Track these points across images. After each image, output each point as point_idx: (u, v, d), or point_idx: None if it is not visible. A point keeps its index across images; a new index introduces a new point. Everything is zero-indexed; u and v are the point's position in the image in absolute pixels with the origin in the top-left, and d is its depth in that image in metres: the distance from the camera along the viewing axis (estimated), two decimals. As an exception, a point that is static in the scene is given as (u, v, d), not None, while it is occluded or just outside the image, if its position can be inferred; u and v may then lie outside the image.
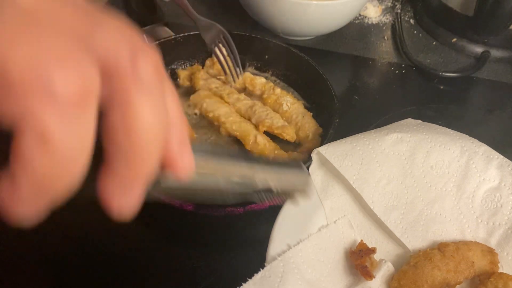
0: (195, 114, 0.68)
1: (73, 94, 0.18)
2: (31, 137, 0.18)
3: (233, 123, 0.63)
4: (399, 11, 0.96)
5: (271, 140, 0.63)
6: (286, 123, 0.66)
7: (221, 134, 0.65)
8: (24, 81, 0.17)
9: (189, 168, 0.24)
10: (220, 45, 0.58)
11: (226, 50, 0.60)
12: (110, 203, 0.23)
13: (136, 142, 0.21)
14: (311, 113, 0.67)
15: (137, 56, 0.20)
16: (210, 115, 0.65)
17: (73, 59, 0.18)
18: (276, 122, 0.64)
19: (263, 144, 0.61)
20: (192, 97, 0.69)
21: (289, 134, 0.64)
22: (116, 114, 0.20)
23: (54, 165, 0.19)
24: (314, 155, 0.54)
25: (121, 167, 0.21)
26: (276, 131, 0.64)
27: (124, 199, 0.23)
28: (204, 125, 0.67)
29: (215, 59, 0.74)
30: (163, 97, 0.22)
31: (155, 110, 0.21)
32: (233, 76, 0.65)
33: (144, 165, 0.22)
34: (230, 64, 0.61)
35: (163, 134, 0.22)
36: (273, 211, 0.49)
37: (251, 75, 0.72)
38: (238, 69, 0.61)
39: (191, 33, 0.71)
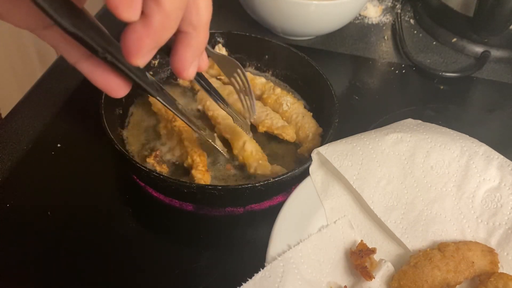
0: (198, 110, 0.69)
1: None
2: None
3: (227, 126, 0.63)
4: (399, 11, 0.96)
5: (260, 150, 0.62)
6: (286, 123, 0.66)
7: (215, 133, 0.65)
8: None
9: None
10: (239, 79, 0.57)
11: (243, 87, 0.59)
12: (185, 67, 0.34)
13: (203, 19, 0.33)
14: (311, 113, 0.67)
15: None
16: (210, 113, 0.66)
17: None
18: (276, 123, 0.64)
19: (249, 151, 0.61)
20: (199, 93, 0.70)
21: (289, 135, 0.64)
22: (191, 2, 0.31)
23: (174, 6, 0.29)
24: (314, 155, 0.54)
25: (193, 39, 0.33)
26: (276, 132, 0.64)
27: (194, 63, 0.34)
28: (203, 122, 0.67)
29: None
30: None
31: (208, 1, 0.33)
32: (249, 114, 0.62)
33: (205, 37, 0.34)
34: (248, 102, 0.59)
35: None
36: (273, 211, 0.49)
37: (251, 75, 0.72)
38: (252, 108, 0.59)
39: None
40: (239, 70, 0.57)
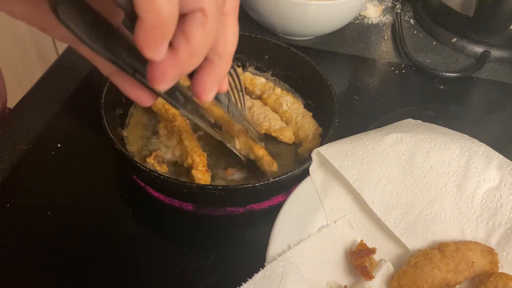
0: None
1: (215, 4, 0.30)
2: (197, 19, 0.29)
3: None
4: (399, 11, 0.96)
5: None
6: (285, 125, 0.65)
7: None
8: None
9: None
10: (230, 78, 0.58)
11: (235, 85, 0.60)
12: (205, 92, 0.35)
13: (229, 51, 0.34)
14: (311, 113, 0.67)
15: None
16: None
17: None
18: (274, 125, 0.64)
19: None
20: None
21: (287, 137, 0.64)
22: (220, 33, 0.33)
23: (203, 43, 0.30)
24: (314, 155, 0.54)
25: (217, 67, 0.34)
26: (274, 134, 0.64)
27: (214, 88, 0.36)
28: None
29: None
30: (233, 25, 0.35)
31: (236, 33, 0.35)
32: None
33: (228, 66, 0.35)
34: (239, 99, 0.61)
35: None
36: (273, 211, 0.49)
37: (251, 75, 0.72)
38: (243, 107, 0.61)
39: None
40: (231, 70, 0.58)
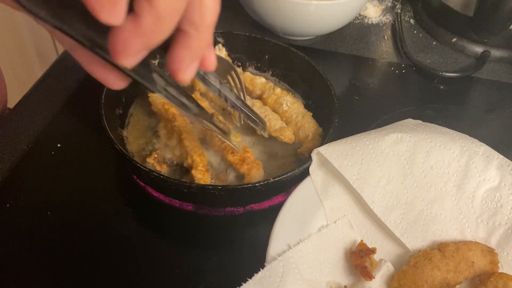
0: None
1: None
2: None
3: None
4: (399, 11, 0.96)
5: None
6: (285, 125, 0.65)
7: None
8: None
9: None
10: (231, 80, 0.58)
11: (235, 85, 0.59)
12: (181, 69, 0.31)
13: (206, 20, 0.30)
14: (311, 113, 0.67)
15: None
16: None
17: None
18: (274, 124, 0.64)
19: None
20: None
21: (287, 137, 0.63)
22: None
23: (170, 7, 0.26)
24: (314, 155, 0.54)
25: (193, 40, 0.30)
26: (273, 134, 0.64)
27: (192, 66, 0.32)
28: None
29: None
30: None
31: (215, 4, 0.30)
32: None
33: (207, 40, 0.31)
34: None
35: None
36: (273, 211, 0.49)
37: (251, 75, 0.72)
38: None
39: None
40: (232, 72, 0.58)
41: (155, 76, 0.34)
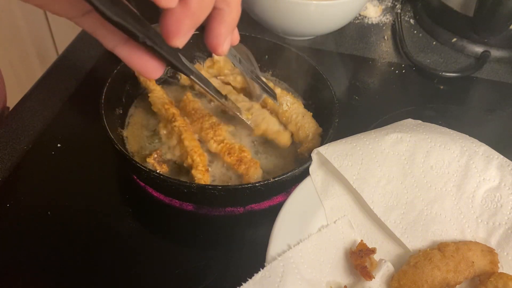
0: None
1: None
2: None
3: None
4: (399, 11, 0.96)
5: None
6: (282, 128, 0.65)
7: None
8: None
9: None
10: (244, 62, 0.61)
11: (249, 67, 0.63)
12: (220, 43, 0.36)
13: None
14: (311, 113, 0.67)
15: None
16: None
17: None
18: (271, 127, 0.64)
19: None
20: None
21: (283, 140, 0.63)
22: None
23: None
24: (314, 155, 0.54)
25: (227, 15, 0.35)
26: (270, 136, 0.63)
27: (228, 39, 0.36)
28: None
29: (215, 59, 0.74)
30: None
31: None
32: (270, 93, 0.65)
33: (238, 13, 0.36)
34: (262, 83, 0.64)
35: None
36: (273, 211, 0.49)
37: (251, 75, 0.72)
38: (268, 87, 0.64)
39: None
40: (245, 54, 0.63)
41: (185, 61, 0.39)
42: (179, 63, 0.38)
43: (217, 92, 0.51)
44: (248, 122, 0.63)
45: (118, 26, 0.31)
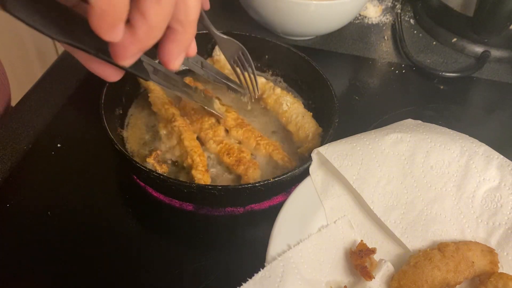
0: None
1: None
2: None
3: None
4: (399, 11, 0.96)
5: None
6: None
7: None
8: None
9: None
10: (239, 62, 0.61)
11: (245, 68, 0.64)
12: (171, 60, 0.36)
13: (190, 17, 0.34)
14: (311, 113, 0.67)
15: None
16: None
17: None
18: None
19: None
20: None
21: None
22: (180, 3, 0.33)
23: (160, 17, 0.31)
24: (314, 155, 0.54)
25: (180, 35, 0.34)
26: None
27: (180, 56, 0.36)
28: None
29: (215, 59, 0.74)
30: None
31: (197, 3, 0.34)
32: (251, 93, 0.67)
33: (192, 33, 0.35)
34: (249, 81, 0.66)
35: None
36: (273, 211, 0.49)
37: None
38: (256, 88, 0.66)
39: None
40: (240, 52, 0.62)
41: (145, 65, 0.40)
42: (136, 69, 0.39)
43: (186, 85, 0.52)
44: (218, 113, 0.63)
45: (71, 45, 0.33)
